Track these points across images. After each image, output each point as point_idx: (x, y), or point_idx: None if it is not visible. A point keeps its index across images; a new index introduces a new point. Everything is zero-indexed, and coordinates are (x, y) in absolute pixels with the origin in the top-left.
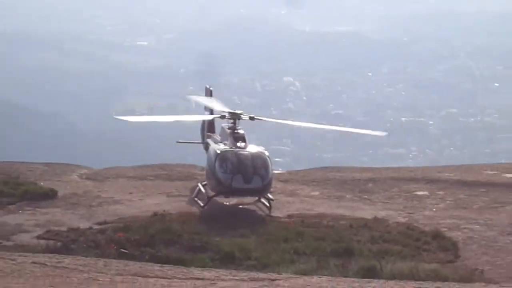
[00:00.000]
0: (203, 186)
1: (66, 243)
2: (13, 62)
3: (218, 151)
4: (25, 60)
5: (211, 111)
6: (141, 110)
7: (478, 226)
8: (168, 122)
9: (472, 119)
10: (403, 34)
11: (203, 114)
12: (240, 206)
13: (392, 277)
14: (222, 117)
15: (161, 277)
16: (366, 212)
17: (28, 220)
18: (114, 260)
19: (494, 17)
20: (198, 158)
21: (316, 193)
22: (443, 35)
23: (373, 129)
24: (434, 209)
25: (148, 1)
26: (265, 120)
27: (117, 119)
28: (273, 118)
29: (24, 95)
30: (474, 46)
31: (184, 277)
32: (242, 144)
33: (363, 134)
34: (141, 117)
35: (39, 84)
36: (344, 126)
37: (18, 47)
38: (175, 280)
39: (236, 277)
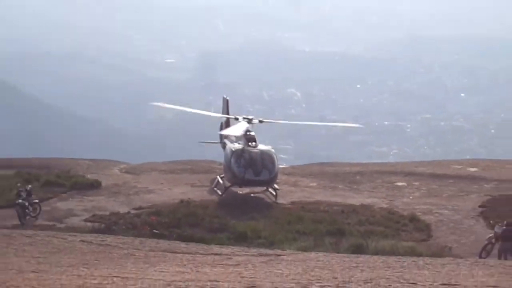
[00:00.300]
0: (221, 178)
1: (108, 225)
2: (65, 75)
3: (234, 149)
4: (75, 73)
5: (228, 120)
6: (168, 116)
7: (447, 211)
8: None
9: (442, 123)
10: (385, 53)
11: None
12: (252, 195)
13: (376, 253)
14: (248, 121)
15: (186, 253)
16: (355, 199)
17: (77, 206)
18: (148, 239)
19: (461, 39)
20: (217, 155)
21: (314, 184)
22: (419, 54)
23: (361, 131)
24: (411, 197)
25: (175, 25)
26: (272, 122)
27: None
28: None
29: (72, 102)
30: (445, 63)
31: (205, 252)
32: (253, 144)
33: (349, 130)
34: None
35: (85, 93)
36: (337, 129)
37: (70, 64)
38: (198, 255)
39: (248, 253)
